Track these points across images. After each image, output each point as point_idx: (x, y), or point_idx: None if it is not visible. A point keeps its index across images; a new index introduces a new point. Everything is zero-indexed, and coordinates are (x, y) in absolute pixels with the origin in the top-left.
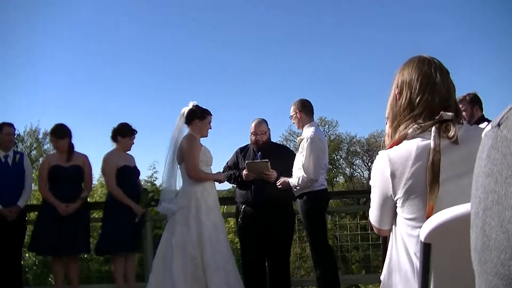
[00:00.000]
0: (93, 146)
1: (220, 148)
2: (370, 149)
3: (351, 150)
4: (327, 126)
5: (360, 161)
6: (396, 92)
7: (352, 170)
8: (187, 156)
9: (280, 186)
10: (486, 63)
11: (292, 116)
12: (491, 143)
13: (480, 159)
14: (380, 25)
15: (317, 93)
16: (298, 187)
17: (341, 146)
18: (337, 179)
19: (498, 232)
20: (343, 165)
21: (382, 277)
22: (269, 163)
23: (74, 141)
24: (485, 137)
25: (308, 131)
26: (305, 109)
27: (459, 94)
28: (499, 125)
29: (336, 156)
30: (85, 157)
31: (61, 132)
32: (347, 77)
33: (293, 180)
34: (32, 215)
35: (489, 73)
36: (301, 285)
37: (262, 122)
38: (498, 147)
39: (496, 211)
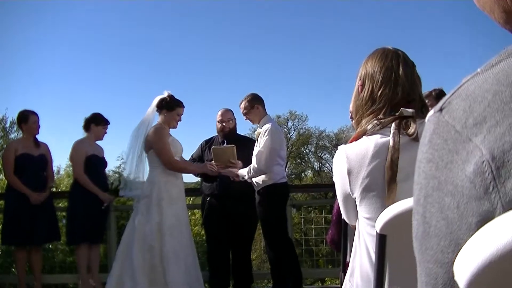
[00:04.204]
0: (56, 137)
1: (185, 141)
2: (339, 144)
3: (320, 144)
4: (296, 120)
5: (329, 156)
6: (359, 84)
7: (320, 164)
8: (158, 147)
9: (232, 178)
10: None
11: (248, 111)
12: (433, 128)
13: (423, 145)
14: (352, 18)
15: (287, 87)
16: (246, 178)
17: (310, 140)
18: (306, 173)
19: (438, 218)
20: (312, 159)
21: (346, 276)
22: (235, 148)
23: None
24: (427, 122)
25: (266, 124)
26: (261, 102)
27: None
28: (441, 110)
29: (305, 150)
30: (46, 145)
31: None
32: (317, 72)
33: (243, 171)
34: None
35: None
36: (267, 278)
37: (228, 110)
38: (440, 132)
39: (436, 197)
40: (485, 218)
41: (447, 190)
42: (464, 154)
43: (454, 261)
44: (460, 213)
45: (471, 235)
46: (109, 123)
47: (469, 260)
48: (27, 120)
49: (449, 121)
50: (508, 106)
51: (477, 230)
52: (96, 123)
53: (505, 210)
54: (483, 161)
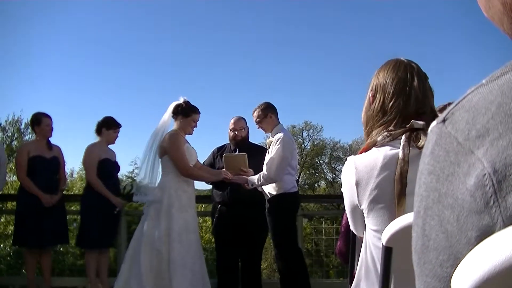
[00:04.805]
0: (70, 140)
1: (196, 147)
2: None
3: (334, 155)
4: (311, 131)
5: (343, 167)
6: (370, 95)
7: (334, 175)
8: (174, 154)
9: (242, 184)
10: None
11: (261, 120)
12: (435, 139)
13: (424, 156)
14: (370, 31)
15: (303, 97)
16: (256, 185)
17: (324, 151)
18: (319, 183)
19: (437, 232)
20: (326, 170)
21: (353, 286)
22: (246, 156)
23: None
24: (430, 133)
25: (278, 133)
26: (275, 111)
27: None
28: (444, 120)
29: (319, 160)
30: (59, 148)
31: (45, 115)
32: (333, 82)
33: (253, 178)
34: (10, 205)
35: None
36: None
37: (241, 119)
38: (442, 144)
39: (436, 210)
40: (485, 232)
41: (447, 203)
42: (465, 167)
43: (452, 276)
44: (459, 227)
45: (471, 250)
46: (121, 126)
47: (466, 276)
48: (40, 123)
49: (452, 133)
50: None
51: (477, 244)
52: (107, 127)
53: (505, 225)
54: (485, 174)
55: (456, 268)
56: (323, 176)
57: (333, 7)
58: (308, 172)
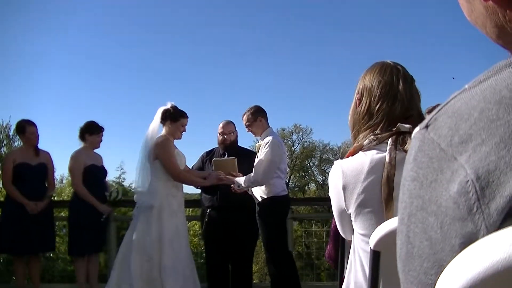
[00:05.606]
0: (58, 146)
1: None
2: (343, 158)
3: (324, 157)
4: (301, 133)
5: None
6: (357, 98)
7: (324, 177)
8: (165, 160)
9: (232, 188)
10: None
11: (251, 124)
12: (418, 145)
13: (408, 162)
14: (361, 34)
15: (292, 100)
16: (242, 187)
17: (314, 153)
18: (309, 186)
19: (421, 239)
20: (316, 172)
21: None
22: (236, 160)
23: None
24: (413, 139)
25: (268, 137)
26: (264, 114)
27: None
28: (427, 126)
29: (309, 163)
30: (48, 154)
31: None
32: (322, 85)
33: (240, 179)
34: None
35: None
36: None
37: (230, 123)
38: (425, 150)
39: (420, 217)
40: (469, 239)
41: (431, 210)
42: (448, 173)
43: (437, 283)
44: (443, 234)
45: (454, 257)
46: (103, 130)
47: (450, 283)
48: (24, 131)
49: (435, 139)
50: (495, 124)
51: (461, 251)
52: (90, 132)
53: (489, 231)
54: (468, 181)
55: (440, 275)
56: (313, 178)
57: (324, 10)
58: (298, 174)
